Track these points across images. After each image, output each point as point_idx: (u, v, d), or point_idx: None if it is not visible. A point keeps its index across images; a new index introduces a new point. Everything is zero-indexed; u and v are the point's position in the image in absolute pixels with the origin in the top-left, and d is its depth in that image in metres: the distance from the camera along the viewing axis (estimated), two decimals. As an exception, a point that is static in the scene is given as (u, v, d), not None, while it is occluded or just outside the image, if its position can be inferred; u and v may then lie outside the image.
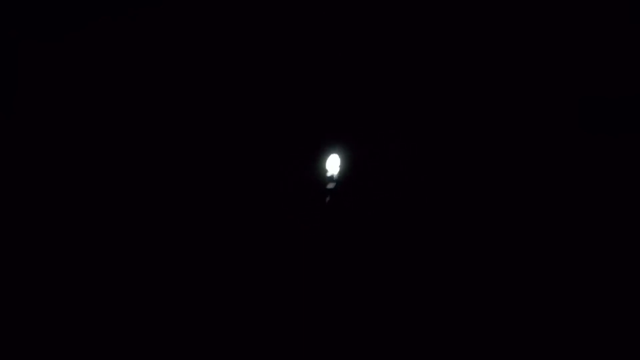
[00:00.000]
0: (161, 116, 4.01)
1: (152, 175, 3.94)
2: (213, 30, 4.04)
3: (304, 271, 3.76)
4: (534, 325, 3.59)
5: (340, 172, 3.97)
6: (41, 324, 3.59)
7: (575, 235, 3.73)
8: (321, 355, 3.55)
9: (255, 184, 3.93)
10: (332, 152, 4.01)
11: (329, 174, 3.95)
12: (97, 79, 4.02)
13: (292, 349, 3.56)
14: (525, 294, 3.67)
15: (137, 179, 3.93)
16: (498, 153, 3.92)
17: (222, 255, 3.80)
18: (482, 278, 3.73)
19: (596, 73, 3.89)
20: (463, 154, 3.94)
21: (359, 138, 3.99)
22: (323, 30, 3.99)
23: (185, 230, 3.85)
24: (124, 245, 3.81)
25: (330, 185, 3.94)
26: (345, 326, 3.64)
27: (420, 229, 3.85)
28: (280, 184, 3.94)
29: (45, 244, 3.78)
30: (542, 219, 3.79)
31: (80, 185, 3.90)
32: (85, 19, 4.02)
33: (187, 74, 4.04)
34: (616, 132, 3.81)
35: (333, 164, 4.00)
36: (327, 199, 3.91)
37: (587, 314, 3.57)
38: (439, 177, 3.95)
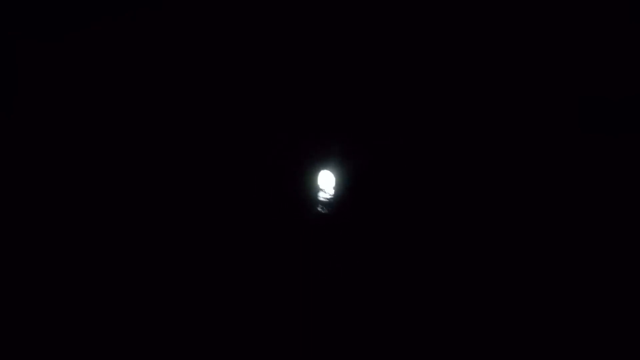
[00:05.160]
0: (160, 116, 4.01)
1: (150, 175, 3.94)
2: (212, 32, 4.04)
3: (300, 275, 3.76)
4: (534, 325, 3.59)
5: (335, 188, 3.64)
6: (41, 324, 3.59)
7: (575, 235, 3.73)
8: (320, 356, 3.55)
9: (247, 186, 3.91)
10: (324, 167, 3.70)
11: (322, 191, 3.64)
12: (97, 79, 4.03)
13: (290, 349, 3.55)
14: (526, 294, 3.67)
15: (136, 179, 3.93)
16: (498, 153, 3.92)
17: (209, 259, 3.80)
18: (483, 278, 3.73)
19: (596, 73, 3.89)
20: (462, 154, 3.94)
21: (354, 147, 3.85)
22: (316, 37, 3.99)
23: (179, 230, 3.85)
24: (122, 244, 3.81)
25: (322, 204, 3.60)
26: (345, 327, 3.64)
27: (421, 233, 3.85)
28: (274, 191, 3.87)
29: (45, 243, 3.78)
30: (542, 218, 3.79)
31: (80, 185, 3.91)
32: (85, 19, 4.02)
33: (186, 74, 4.05)
34: (616, 132, 3.81)
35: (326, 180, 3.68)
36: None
37: (587, 314, 3.57)
38: (439, 178, 3.95)
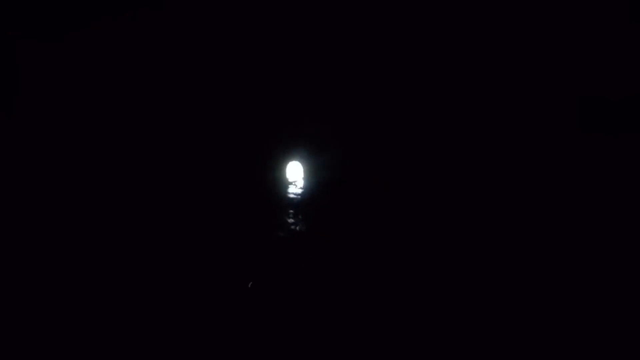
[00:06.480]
0: (158, 115, 4.02)
1: (147, 173, 3.94)
2: (211, 33, 4.05)
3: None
4: (534, 324, 3.58)
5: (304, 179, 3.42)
6: (41, 323, 3.59)
7: (575, 232, 3.73)
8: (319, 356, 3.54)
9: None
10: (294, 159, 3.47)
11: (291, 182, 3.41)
12: (97, 79, 4.03)
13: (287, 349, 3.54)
14: (525, 293, 3.66)
15: (134, 177, 3.93)
16: (498, 153, 3.92)
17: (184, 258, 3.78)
18: (482, 278, 3.73)
19: (596, 73, 3.89)
20: (462, 154, 3.94)
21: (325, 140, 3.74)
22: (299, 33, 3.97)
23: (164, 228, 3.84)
24: (121, 242, 3.81)
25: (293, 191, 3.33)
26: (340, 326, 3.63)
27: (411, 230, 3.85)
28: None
29: (45, 242, 3.78)
30: (542, 218, 3.79)
31: (79, 183, 3.91)
32: (85, 19, 4.03)
33: (186, 74, 4.05)
34: (616, 132, 3.81)
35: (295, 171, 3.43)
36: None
37: (587, 313, 3.56)
38: (438, 177, 3.95)
